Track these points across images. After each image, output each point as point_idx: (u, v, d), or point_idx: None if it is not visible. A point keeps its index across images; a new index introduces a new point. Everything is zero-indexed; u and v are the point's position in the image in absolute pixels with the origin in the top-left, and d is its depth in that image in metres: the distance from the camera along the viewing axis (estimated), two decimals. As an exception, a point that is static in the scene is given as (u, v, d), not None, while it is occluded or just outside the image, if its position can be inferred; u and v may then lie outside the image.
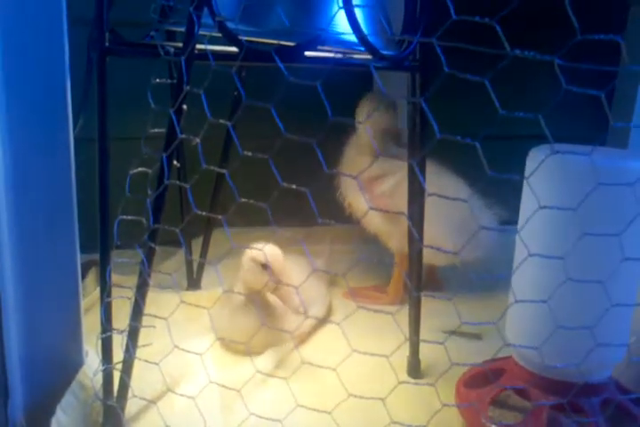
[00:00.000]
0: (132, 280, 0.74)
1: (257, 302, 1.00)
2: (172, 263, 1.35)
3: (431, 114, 0.83)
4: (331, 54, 0.74)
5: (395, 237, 1.24)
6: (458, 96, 1.32)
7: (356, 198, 1.25)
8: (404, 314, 0.96)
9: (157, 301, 1.02)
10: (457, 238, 1.16)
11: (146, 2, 0.85)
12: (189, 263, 1.25)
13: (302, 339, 1.08)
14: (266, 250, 0.97)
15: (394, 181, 1.20)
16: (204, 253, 1.25)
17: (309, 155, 0.59)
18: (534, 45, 0.80)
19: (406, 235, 1.20)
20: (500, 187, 0.79)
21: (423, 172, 0.87)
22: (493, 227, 1.18)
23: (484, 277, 1.25)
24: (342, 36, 0.75)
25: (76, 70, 0.81)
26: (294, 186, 0.59)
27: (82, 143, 0.83)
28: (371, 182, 1.22)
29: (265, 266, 0.97)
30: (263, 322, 0.98)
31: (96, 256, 0.76)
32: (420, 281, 0.94)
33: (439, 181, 1.14)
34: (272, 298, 1.01)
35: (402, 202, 1.15)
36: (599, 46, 0.59)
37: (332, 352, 1.00)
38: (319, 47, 0.73)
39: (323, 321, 1.15)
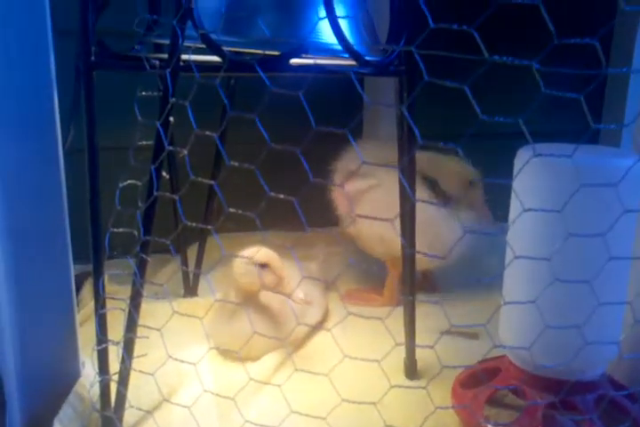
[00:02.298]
0: (129, 290, 0.75)
1: (254, 306, 1.01)
2: (168, 271, 1.35)
3: (420, 118, 0.83)
4: (315, 61, 0.75)
5: (371, 243, 1.24)
6: (449, 99, 1.33)
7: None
8: (398, 316, 0.97)
9: (154, 310, 1.03)
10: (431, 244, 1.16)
11: (134, 11, 0.85)
12: (185, 271, 1.25)
13: (300, 343, 1.08)
14: (261, 251, 0.99)
15: (365, 185, 1.19)
16: (199, 261, 1.25)
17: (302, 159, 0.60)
18: (525, 49, 0.82)
19: (387, 239, 1.21)
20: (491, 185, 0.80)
21: (413, 177, 0.88)
22: (478, 230, 1.18)
23: (474, 281, 1.26)
24: (327, 44, 0.76)
25: (66, 81, 0.81)
26: (282, 195, 0.59)
27: (73, 154, 0.84)
28: (344, 184, 1.22)
29: (263, 265, 0.98)
30: (262, 325, 0.99)
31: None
32: (413, 285, 0.95)
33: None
34: (267, 300, 1.02)
35: (371, 207, 1.15)
36: (587, 48, 0.60)
37: (331, 356, 1.01)
38: (304, 56, 0.73)
39: (320, 324, 1.16)
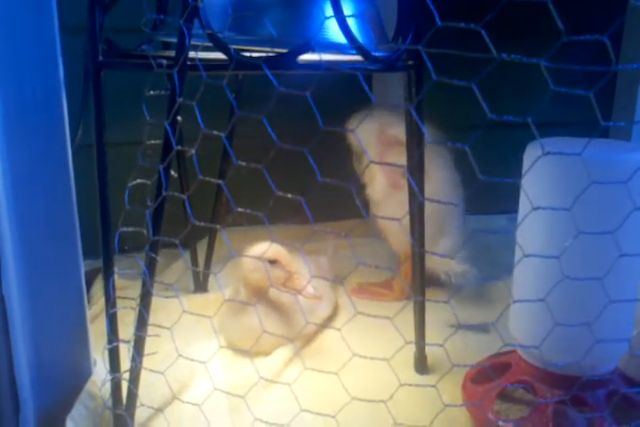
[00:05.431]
0: (139, 285, 0.75)
1: (264, 302, 1.01)
2: (178, 266, 1.35)
3: (429, 107, 0.83)
4: (324, 58, 0.75)
5: (396, 234, 1.24)
6: (457, 90, 1.32)
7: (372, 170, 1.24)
8: (407, 309, 0.96)
9: (165, 305, 1.03)
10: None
11: (142, 6, 0.85)
12: (195, 265, 1.26)
13: (310, 338, 1.09)
14: (270, 247, 0.99)
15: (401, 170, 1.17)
16: (209, 256, 1.25)
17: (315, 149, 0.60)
18: (534, 45, 0.81)
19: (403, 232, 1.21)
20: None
21: (421, 176, 0.88)
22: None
23: (486, 280, 1.25)
24: (334, 41, 0.75)
25: (75, 75, 0.81)
26: (289, 195, 0.59)
27: (82, 149, 0.84)
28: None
29: (272, 261, 0.99)
30: (272, 321, 1.00)
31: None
32: (423, 285, 0.95)
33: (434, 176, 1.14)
34: (277, 296, 1.02)
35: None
36: (598, 44, 0.59)
37: (341, 350, 1.01)
38: (312, 53, 0.73)
39: (329, 319, 1.16)
